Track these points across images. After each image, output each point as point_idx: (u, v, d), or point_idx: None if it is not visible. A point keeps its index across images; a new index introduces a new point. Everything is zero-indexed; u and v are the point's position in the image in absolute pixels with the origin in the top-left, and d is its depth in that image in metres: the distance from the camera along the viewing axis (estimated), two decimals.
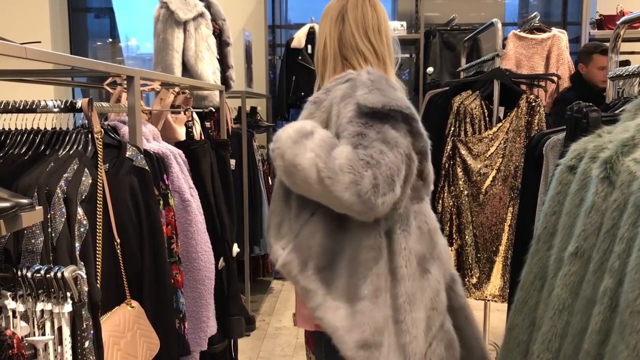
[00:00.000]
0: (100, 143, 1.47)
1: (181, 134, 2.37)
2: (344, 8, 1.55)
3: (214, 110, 3.01)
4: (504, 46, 4.17)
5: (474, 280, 2.60)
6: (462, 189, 2.58)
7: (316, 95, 1.47)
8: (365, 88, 1.32)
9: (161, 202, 1.67)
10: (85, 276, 1.18)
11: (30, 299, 1.15)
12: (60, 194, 1.30)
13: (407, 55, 5.21)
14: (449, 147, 2.60)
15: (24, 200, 1.01)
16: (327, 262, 1.36)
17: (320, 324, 1.39)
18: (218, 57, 3.40)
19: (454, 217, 2.61)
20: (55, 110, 1.52)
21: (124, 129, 1.76)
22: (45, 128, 1.52)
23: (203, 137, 2.57)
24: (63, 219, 1.29)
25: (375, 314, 1.31)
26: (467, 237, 2.60)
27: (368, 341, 1.31)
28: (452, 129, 2.61)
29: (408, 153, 1.30)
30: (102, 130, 1.51)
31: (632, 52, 4.31)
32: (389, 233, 1.37)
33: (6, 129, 1.53)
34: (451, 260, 1.52)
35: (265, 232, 1.52)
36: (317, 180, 1.19)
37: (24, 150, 1.47)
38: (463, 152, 2.58)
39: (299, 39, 4.68)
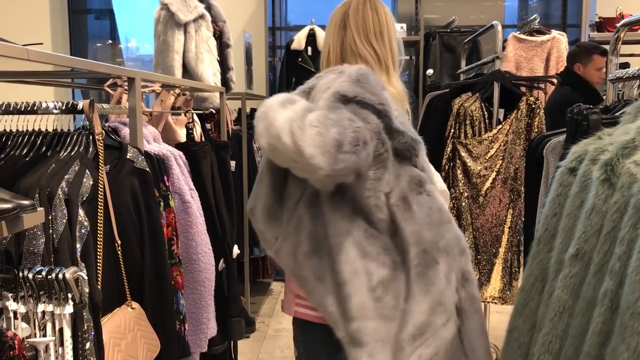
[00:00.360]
0: (101, 144, 1.47)
1: (181, 135, 2.38)
2: (346, 14, 1.56)
3: (214, 111, 3.01)
4: (503, 48, 4.17)
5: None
6: (461, 190, 2.58)
7: (307, 85, 1.45)
8: (346, 77, 1.31)
9: (162, 203, 1.68)
10: (86, 277, 1.19)
11: (32, 300, 1.15)
12: (61, 196, 1.30)
13: (407, 57, 5.22)
14: (448, 149, 2.61)
15: (26, 202, 1.02)
16: (314, 248, 1.36)
17: (318, 310, 1.39)
18: (218, 58, 3.41)
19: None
20: (56, 111, 1.52)
21: (125, 131, 1.76)
22: (46, 129, 1.53)
23: (203, 139, 2.57)
24: (64, 221, 1.29)
25: (354, 299, 1.29)
26: (467, 238, 2.60)
27: (351, 329, 1.30)
28: (452, 131, 2.62)
29: (378, 131, 1.28)
30: (103, 131, 1.52)
31: (632, 55, 4.32)
32: (387, 221, 1.34)
33: (7, 130, 1.53)
34: (466, 258, 1.39)
35: (249, 213, 1.48)
36: (289, 132, 1.17)
37: (25, 151, 1.47)
38: (463, 154, 2.58)
39: (299, 40, 4.69)
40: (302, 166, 1.20)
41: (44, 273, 1.14)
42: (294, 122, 1.17)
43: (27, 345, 1.11)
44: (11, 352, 1.00)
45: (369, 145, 1.23)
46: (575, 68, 3.67)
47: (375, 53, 1.54)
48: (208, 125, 2.96)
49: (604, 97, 2.12)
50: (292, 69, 4.74)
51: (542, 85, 3.46)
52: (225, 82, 3.50)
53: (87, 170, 1.39)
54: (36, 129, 1.53)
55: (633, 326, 0.81)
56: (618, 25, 1.75)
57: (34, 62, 1.25)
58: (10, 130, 1.53)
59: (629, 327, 0.82)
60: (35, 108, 1.51)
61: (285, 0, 5.57)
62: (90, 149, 1.48)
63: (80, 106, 1.50)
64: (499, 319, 3.23)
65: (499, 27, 2.85)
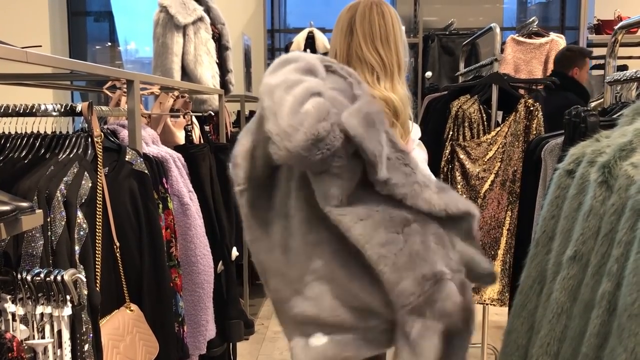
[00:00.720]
0: (100, 147, 1.47)
1: (180, 137, 2.38)
2: (352, 19, 1.55)
3: (213, 114, 3.01)
4: (502, 51, 4.18)
5: (473, 284, 2.60)
6: (460, 192, 2.58)
7: (332, 63, 1.40)
8: (355, 111, 1.29)
9: (160, 205, 1.68)
10: (84, 279, 1.19)
11: (30, 302, 1.15)
12: (60, 198, 1.30)
13: (406, 60, 5.22)
14: (447, 151, 2.61)
15: (24, 204, 1.02)
16: (271, 205, 1.40)
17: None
18: (217, 61, 3.41)
19: None
20: (55, 114, 1.52)
21: (124, 133, 1.76)
22: (45, 132, 1.53)
23: (202, 141, 2.58)
24: (63, 223, 1.29)
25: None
26: None
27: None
28: (451, 133, 2.62)
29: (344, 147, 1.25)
30: (102, 134, 1.52)
31: (630, 57, 4.33)
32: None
33: (6, 132, 1.53)
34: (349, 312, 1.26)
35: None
36: (292, 95, 1.17)
37: (24, 153, 1.47)
38: (461, 156, 2.58)
39: (298, 43, 4.69)
40: (277, 126, 1.19)
41: (42, 275, 1.14)
42: (299, 90, 1.18)
43: (26, 347, 1.11)
44: (9, 354, 1.00)
45: (335, 156, 1.23)
46: (574, 72, 3.68)
47: (381, 59, 1.53)
48: (207, 128, 2.96)
49: (602, 99, 2.13)
50: None
51: (541, 88, 3.47)
52: (224, 84, 3.50)
53: (85, 173, 1.39)
54: (35, 131, 1.53)
55: (630, 328, 0.81)
56: (616, 27, 1.75)
57: (33, 65, 1.25)
58: (9, 132, 1.53)
59: (626, 329, 0.82)
60: (34, 110, 1.51)
61: (284, 3, 5.59)
62: (89, 151, 1.48)
63: (78, 108, 1.50)
64: (497, 320, 3.23)
65: (498, 30, 2.85)
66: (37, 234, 1.25)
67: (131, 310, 1.47)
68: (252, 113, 4.47)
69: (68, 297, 1.15)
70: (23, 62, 1.17)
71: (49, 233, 1.28)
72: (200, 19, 3.28)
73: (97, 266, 1.39)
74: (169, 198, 1.74)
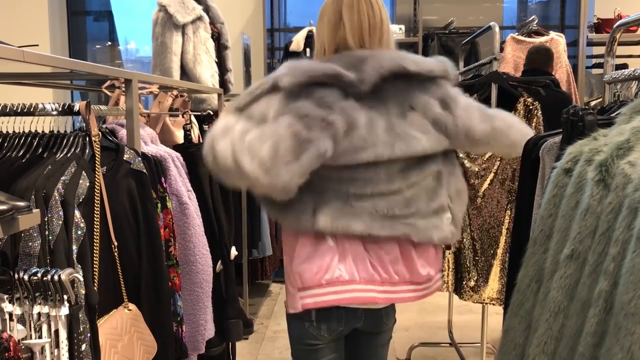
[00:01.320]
0: (98, 146, 1.47)
1: (179, 137, 2.38)
2: (339, 11, 1.51)
3: (212, 113, 3.01)
4: (502, 50, 4.18)
5: (472, 283, 2.60)
6: None
7: (259, 89, 1.47)
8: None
9: (159, 205, 1.68)
10: (82, 279, 1.19)
11: (27, 302, 1.15)
12: (57, 197, 1.30)
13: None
14: None
15: (21, 203, 1.02)
16: None
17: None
18: (216, 60, 3.41)
19: None
20: (54, 113, 1.52)
21: (122, 132, 1.76)
22: (43, 131, 1.53)
23: (201, 140, 2.57)
24: (60, 222, 1.29)
25: None
26: (465, 240, 2.60)
27: None
28: None
29: (322, 118, 1.36)
30: (100, 133, 1.52)
31: (630, 56, 4.32)
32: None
33: (4, 131, 1.53)
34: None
35: None
36: (231, 156, 1.27)
37: (21, 153, 1.47)
38: (460, 154, 2.58)
39: (297, 42, 4.69)
40: (259, 188, 1.30)
41: (39, 274, 1.14)
42: (235, 146, 1.28)
43: (23, 347, 1.11)
44: (6, 354, 1.00)
45: (317, 141, 1.28)
46: (553, 72, 3.70)
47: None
48: (206, 127, 2.96)
49: (601, 98, 2.13)
50: None
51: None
52: (224, 83, 3.50)
53: (83, 172, 1.39)
54: (33, 130, 1.53)
55: (627, 327, 0.81)
56: (614, 26, 1.75)
57: (33, 64, 1.25)
58: (7, 131, 1.53)
59: (622, 328, 0.82)
60: (32, 109, 1.51)
61: (284, 2, 5.58)
62: (87, 151, 1.48)
63: (77, 108, 1.50)
64: (497, 320, 3.22)
65: (497, 29, 2.85)
66: (35, 233, 1.25)
67: (129, 310, 1.47)
68: None
69: (65, 297, 1.15)
70: (20, 61, 1.17)
71: (47, 232, 1.27)
72: (200, 18, 3.28)
73: (95, 266, 1.39)
74: (167, 197, 1.74)
